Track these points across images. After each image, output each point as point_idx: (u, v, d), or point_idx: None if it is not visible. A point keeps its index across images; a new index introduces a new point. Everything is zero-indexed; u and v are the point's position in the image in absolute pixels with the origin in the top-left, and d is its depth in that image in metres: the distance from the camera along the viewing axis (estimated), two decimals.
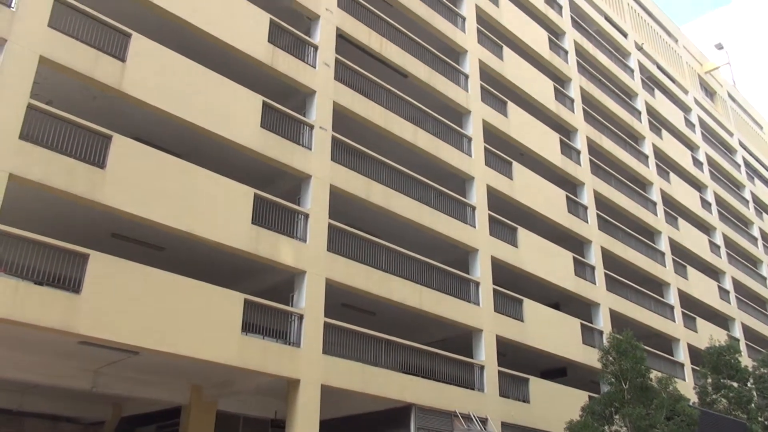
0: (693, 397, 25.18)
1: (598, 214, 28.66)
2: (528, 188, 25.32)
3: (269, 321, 16.06)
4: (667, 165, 36.33)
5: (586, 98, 31.72)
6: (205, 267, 16.79)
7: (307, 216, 17.63)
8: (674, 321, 30.83)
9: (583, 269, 26.60)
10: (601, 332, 25.50)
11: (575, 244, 27.27)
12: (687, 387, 26.92)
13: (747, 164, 46.92)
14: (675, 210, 35.23)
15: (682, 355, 30.11)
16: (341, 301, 18.87)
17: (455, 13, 25.71)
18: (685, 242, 34.31)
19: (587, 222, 27.90)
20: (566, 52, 31.55)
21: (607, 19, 37.18)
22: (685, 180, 37.62)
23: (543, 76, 29.06)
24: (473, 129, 23.98)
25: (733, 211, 41.76)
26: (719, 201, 40.35)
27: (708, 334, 29.29)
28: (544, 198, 25.91)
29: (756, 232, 43.28)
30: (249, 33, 17.90)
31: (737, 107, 50.44)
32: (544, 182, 26.40)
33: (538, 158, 26.77)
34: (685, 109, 41.80)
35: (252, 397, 18.43)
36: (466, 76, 24.81)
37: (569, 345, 24.08)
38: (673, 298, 31.39)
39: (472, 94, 24.62)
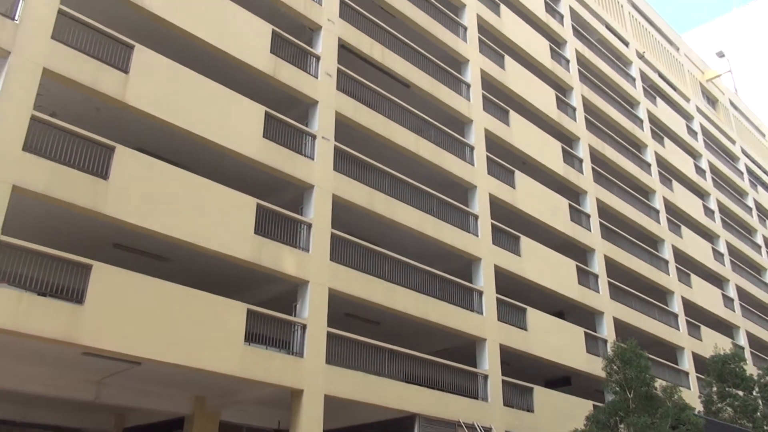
0: (698, 406, 25.13)
1: (601, 223, 28.63)
2: (530, 197, 25.31)
3: (272, 331, 16.04)
4: (669, 173, 36.32)
5: (588, 107, 31.76)
6: (208, 277, 16.79)
7: (309, 226, 17.64)
8: (678, 329, 30.71)
9: (586, 278, 26.54)
10: (605, 341, 25.42)
11: (578, 252, 27.24)
12: (692, 396, 26.82)
13: (750, 172, 46.87)
14: (678, 218, 35.18)
15: (687, 364, 29.98)
16: (344, 311, 18.86)
17: (457, 22, 25.81)
18: (689, 250, 34.24)
19: (590, 230, 27.87)
20: (568, 61, 31.62)
21: (608, 27, 37.28)
22: (688, 188, 37.59)
23: (545, 85, 29.11)
24: (475, 138, 24.01)
25: (736, 219, 41.68)
26: (722, 209, 40.29)
27: (712, 343, 29.22)
28: (546, 207, 25.90)
29: (760, 240, 43.18)
30: (251, 44, 17.97)
31: (739, 115, 50.44)
32: (547, 191, 26.39)
33: (540, 167, 26.79)
34: (687, 117, 41.82)
35: (255, 408, 18.39)
36: (468, 86, 24.87)
37: (573, 354, 24.00)
38: (677, 307, 31.29)
39: (474, 103, 24.67)
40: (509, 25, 28.50)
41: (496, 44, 27.33)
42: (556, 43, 31.82)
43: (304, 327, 16.51)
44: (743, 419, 23.47)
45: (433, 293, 20.07)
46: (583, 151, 29.59)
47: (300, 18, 19.85)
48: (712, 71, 49.26)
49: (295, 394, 16.03)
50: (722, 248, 38.03)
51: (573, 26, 33.40)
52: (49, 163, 13.30)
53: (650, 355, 21.88)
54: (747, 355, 34.02)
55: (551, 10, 32.19)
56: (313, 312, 16.77)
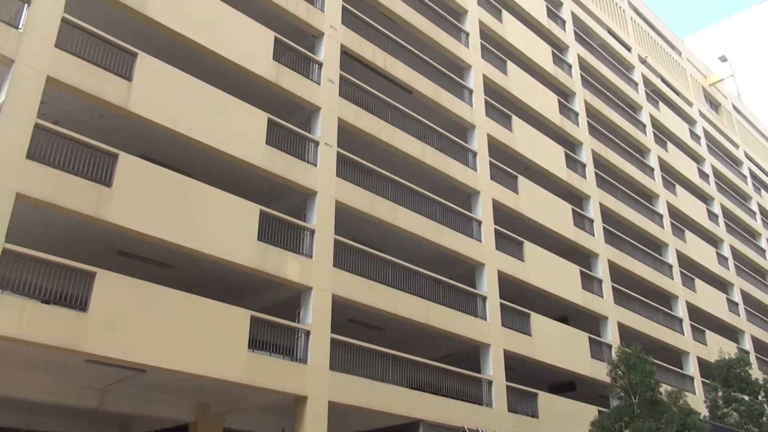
0: (704, 411, 25.01)
1: (604, 228, 28.59)
2: (534, 202, 25.29)
3: (276, 337, 16.03)
4: (672, 177, 36.28)
5: (591, 112, 31.76)
6: (212, 284, 16.81)
7: (312, 232, 17.65)
8: (683, 334, 30.62)
9: (590, 283, 26.49)
10: (609, 346, 25.35)
11: (582, 257, 27.19)
12: (697, 401, 26.72)
13: (753, 176, 46.81)
14: (682, 222, 35.12)
15: (692, 369, 29.88)
16: (348, 317, 18.84)
17: (459, 28, 25.86)
18: (693, 255, 34.16)
19: (594, 235, 27.83)
20: (570, 66, 31.64)
21: (611, 32, 37.30)
22: (692, 192, 37.54)
23: (547, 90, 29.13)
24: (478, 143, 24.02)
25: (740, 223, 41.60)
26: (726, 213, 40.21)
27: (717, 347, 29.09)
28: (550, 212, 25.88)
29: (764, 244, 43.08)
30: (254, 51, 18.03)
31: (742, 119, 50.39)
32: (550, 196, 26.38)
33: (543, 172, 26.78)
34: (690, 121, 41.79)
35: (259, 415, 18.36)
36: (471, 91, 24.90)
37: (578, 359, 23.94)
38: (681, 311, 31.21)
39: (477, 108, 24.69)
40: (511, 30, 28.54)
41: (498, 50, 27.37)
42: (559, 48, 31.85)
43: (307, 333, 16.50)
44: (749, 424, 23.34)
45: (436, 299, 20.05)
46: (586, 156, 29.58)
47: (302, 25, 19.90)
48: (715, 75, 49.25)
49: (299, 401, 16.00)
50: (726, 252, 37.93)
51: (575, 31, 33.44)
52: (53, 170, 13.34)
53: (655, 360, 21.79)
54: (752, 359, 33.88)
55: (553, 15, 32.23)
56: (316, 318, 16.77)
